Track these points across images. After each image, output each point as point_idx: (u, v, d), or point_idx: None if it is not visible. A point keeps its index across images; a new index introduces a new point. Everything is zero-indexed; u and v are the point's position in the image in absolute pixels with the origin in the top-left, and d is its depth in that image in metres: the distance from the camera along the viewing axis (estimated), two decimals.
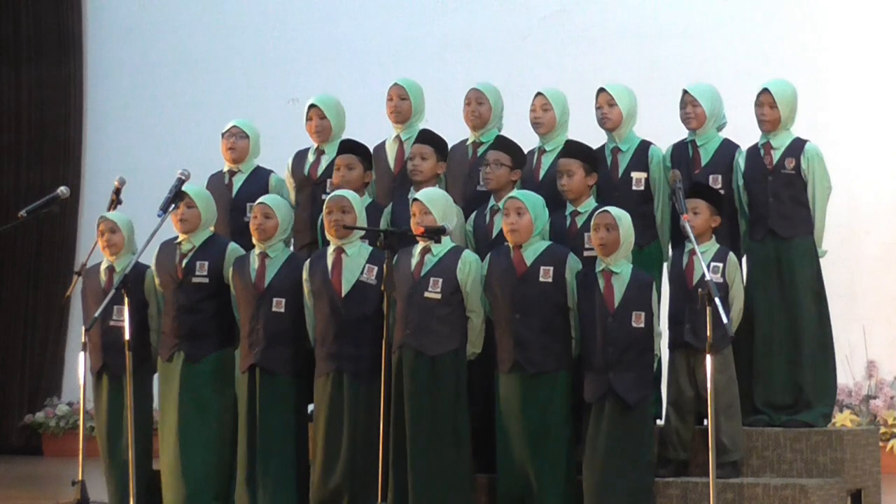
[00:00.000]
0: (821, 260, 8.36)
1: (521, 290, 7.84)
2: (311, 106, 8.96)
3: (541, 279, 7.82)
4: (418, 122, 8.81)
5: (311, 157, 8.95)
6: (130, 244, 8.70)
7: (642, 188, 8.39)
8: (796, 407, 8.23)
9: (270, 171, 9.07)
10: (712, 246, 8.04)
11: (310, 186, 8.88)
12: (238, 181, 9.00)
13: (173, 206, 8.26)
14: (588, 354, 7.80)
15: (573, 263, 7.85)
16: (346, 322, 8.08)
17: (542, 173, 8.45)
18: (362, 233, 8.12)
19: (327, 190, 8.59)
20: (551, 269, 7.82)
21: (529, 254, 7.86)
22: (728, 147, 8.42)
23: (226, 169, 9.06)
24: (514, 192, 8.00)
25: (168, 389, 8.50)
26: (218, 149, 9.11)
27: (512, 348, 7.84)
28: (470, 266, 7.94)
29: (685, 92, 8.44)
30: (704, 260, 7.66)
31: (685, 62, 11.81)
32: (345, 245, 8.13)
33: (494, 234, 8.15)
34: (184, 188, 8.37)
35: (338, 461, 8.09)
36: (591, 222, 7.83)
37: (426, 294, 7.92)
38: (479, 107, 8.64)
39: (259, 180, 8.97)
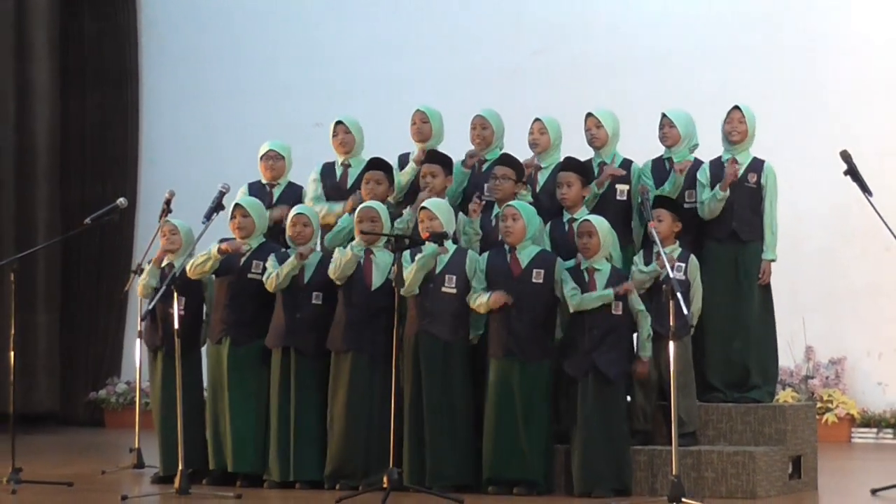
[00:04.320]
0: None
1: (516, 289, 7.89)
2: (338, 123, 8.97)
3: (533, 280, 7.90)
4: (437, 143, 8.79)
5: (338, 171, 8.94)
6: (187, 247, 8.75)
7: (625, 198, 8.43)
8: (745, 386, 8.28)
9: (302, 187, 9.05)
10: (676, 249, 8.08)
11: (341, 198, 8.84)
12: (277, 192, 9.02)
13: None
14: (574, 337, 7.85)
15: (560, 266, 7.93)
16: (372, 311, 8.15)
17: (538, 187, 8.49)
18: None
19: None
20: (543, 271, 7.90)
21: (524, 257, 7.94)
22: (697, 166, 8.42)
23: (265, 181, 9.06)
24: (511, 202, 8.07)
25: (216, 368, 8.55)
26: (254, 165, 9.13)
27: (506, 338, 7.88)
28: (476, 263, 8.03)
29: (664, 115, 8.47)
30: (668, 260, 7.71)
31: (655, 91, 11.83)
32: (374, 248, 8.23)
33: (500, 237, 8.15)
34: (239, 200, 8.50)
35: (355, 431, 8.14)
36: (576, 229, 7.90)
37: (443, 289, 7.99)
38: (484, 131, 8.67)
39: (294, 193, 9.00)
